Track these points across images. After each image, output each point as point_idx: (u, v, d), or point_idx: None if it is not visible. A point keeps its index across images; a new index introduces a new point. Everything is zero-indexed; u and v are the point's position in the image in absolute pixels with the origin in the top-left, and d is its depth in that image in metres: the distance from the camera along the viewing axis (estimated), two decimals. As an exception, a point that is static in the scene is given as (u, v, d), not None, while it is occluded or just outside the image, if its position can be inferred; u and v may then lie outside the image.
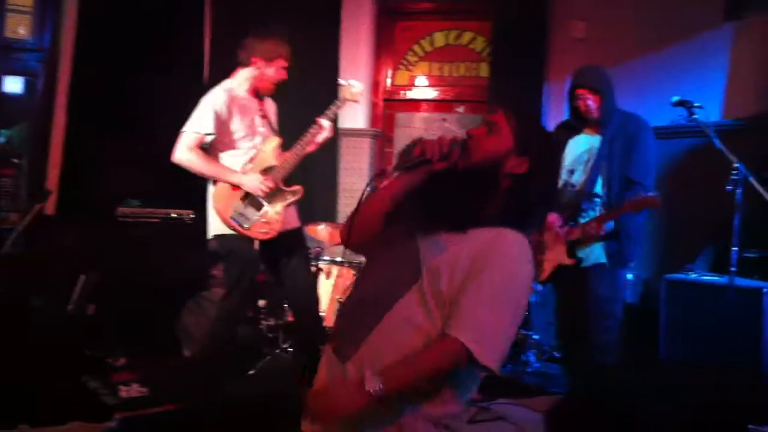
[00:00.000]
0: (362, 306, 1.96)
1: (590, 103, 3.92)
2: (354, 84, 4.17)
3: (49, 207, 5.88)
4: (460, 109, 6.93)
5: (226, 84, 4.00)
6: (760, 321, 3.66)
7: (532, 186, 1.96)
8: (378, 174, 1.96)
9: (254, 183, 3.84)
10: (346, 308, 2.11)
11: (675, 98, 3.89)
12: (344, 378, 1.86)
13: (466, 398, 1.95)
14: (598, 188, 3.94)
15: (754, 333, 3.67)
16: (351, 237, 2.10)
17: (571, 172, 4.03)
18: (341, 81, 4.18)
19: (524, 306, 1.91)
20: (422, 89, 7.09)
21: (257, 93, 4.08)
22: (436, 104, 7.06)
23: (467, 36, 6.95)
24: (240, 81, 4.03)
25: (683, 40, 5.56)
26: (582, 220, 3.92)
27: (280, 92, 4.43)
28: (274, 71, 4.02)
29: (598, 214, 3.91)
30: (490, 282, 1.81)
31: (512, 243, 1.88)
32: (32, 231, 5.18)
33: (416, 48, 7.07)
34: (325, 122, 4.06)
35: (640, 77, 5.59)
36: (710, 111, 4.04)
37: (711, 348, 3.82)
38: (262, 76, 4.01)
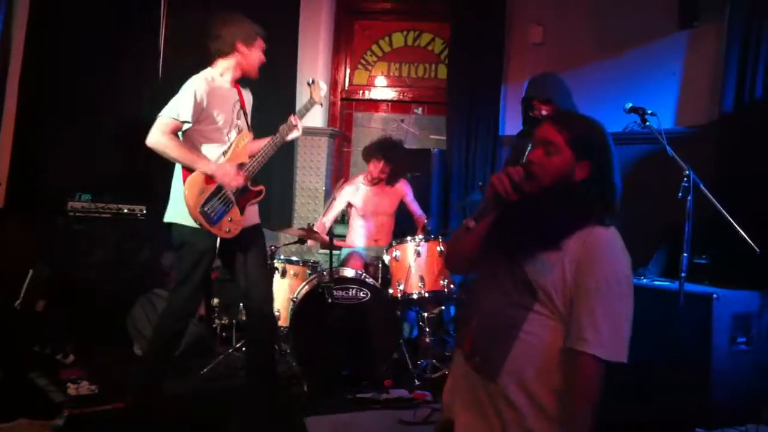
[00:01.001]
0: (492, 329, 2.12)
1: (543, 112, 3.98)
2: (322, 86, 4.10)
3: (-2, 199, 5.78)
4: (418, 110, 6.97)
5: (208, 73, 3.81)
6: (709, 326, 3.70)
7: (597, 183, 2.12)
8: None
9: (230, 176, 3.70)
10: (477, 331, 2.19)
11: (628, 105, 3.91)
12: (493, 394, 2.07)
13: None
14: None
15: (703, 338, 3.71)
16: (451, 267, 2.61)
17: None
18: (309, 81, 4.06)
19: (632, 293, 2.02)
20: (381, 89, 7.10)
21: (237, 82, 3.94)
22: (395, 105, 7.08)
23: (426, 37, 6.98)
24: (221, 71, 3.85)
25: (638, 46, 5.64)
26: None
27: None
28: (256, 54, 3.89)
29: None
30: (597, 287, 1.96)
31: (606, 241, 2.03)
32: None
33: (375, 48, 7.09)
34: (298, 120, 3.96)
35: (596, 83, 5.67)
36: (664, 118, 4.08)
37: (661, 351, 3.87)
38: (246, 61, 3.85)
